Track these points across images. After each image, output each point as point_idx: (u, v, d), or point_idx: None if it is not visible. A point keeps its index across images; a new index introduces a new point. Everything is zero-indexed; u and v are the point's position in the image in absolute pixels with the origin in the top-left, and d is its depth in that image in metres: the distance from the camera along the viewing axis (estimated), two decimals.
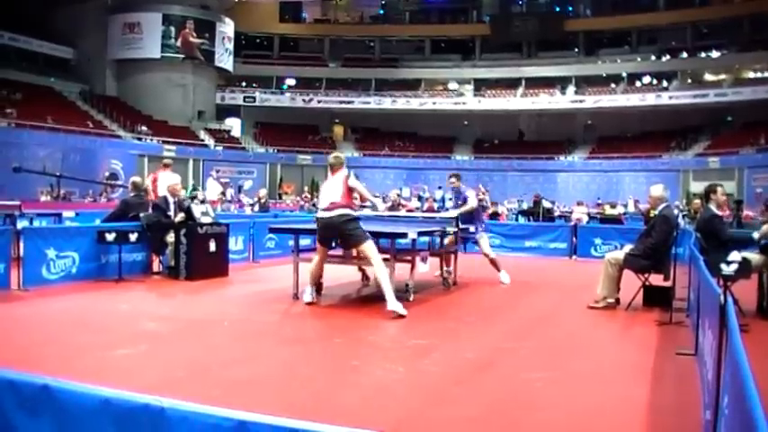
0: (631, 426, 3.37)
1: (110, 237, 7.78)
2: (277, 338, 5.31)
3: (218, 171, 31.01)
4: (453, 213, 8.51)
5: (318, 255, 6.75)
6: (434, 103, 41.41)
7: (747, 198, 28.21)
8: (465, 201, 8.81)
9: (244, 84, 42.38)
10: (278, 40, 43.81)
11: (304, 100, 41.49)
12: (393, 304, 6.05)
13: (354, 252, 6.90)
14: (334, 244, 6.79)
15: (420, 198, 24.23)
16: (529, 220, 17.80)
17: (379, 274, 6.29)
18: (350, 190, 6.54)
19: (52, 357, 4.41)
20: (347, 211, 6.41)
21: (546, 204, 19.59)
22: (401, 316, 5.97)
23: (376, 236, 7.60)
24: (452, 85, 43.08)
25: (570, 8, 42.38)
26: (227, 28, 39.16)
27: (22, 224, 8.75)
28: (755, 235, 6.43)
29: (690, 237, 7.97)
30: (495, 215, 18.93)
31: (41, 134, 28.52)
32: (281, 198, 34.22)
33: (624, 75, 39.68)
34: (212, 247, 8.50)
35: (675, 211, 7.51)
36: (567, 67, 40.27)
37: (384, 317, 5.99)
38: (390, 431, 3.18)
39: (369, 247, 6.37)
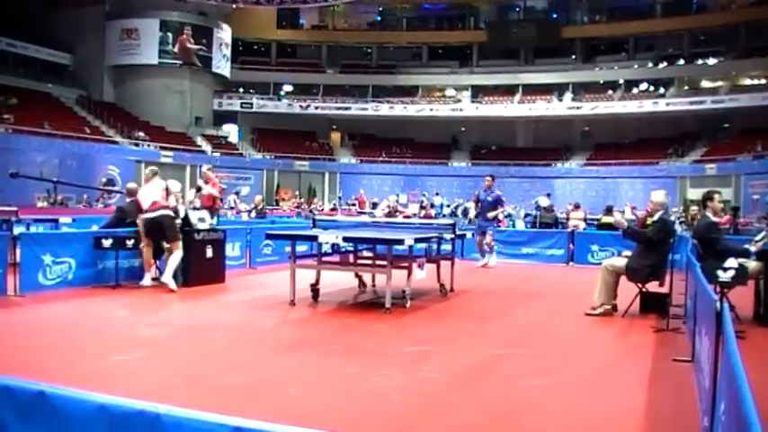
0: None
1: (106, 243, 7.76)
2: (273, 345, 5.30)
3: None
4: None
5: (149, 245, 8.09)
6: (432, 110, 41.47)
7: (744, 205, 28.30)
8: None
9: (241, 90, 42.40)
10: (275, 47, 43.84)
11: (301, 106, 41.47)
12: (168, 278, 7.67)
13: (352, 258, 6.85)
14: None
15: (432, 205, 23.33)
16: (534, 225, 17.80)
17: (176, 258, 7.83)
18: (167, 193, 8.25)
19: (48, 363, 4.39)
20: (168, 211, 8.05)
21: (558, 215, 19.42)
22: (172, 290, 7.55)
23: (373, 242, 7.63)
24: (449, 92, 43.15)
25: (567, 15, 42.53)
26: (224, 34, 39.19)
27: (18, 230, 8.72)
28: (752, 248, 6.45)
29: (687, 243, 7.99)
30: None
31: (38, 140, 28.49)
32: (277, 204, 34.20)
33: (621, 81, 39.75)
34: (209, 253, 8.48)
35: (673, 218, 7.50)
36: (564, 73, 40.37)
37: (380, 324, 5.99)
38: None
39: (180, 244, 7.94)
